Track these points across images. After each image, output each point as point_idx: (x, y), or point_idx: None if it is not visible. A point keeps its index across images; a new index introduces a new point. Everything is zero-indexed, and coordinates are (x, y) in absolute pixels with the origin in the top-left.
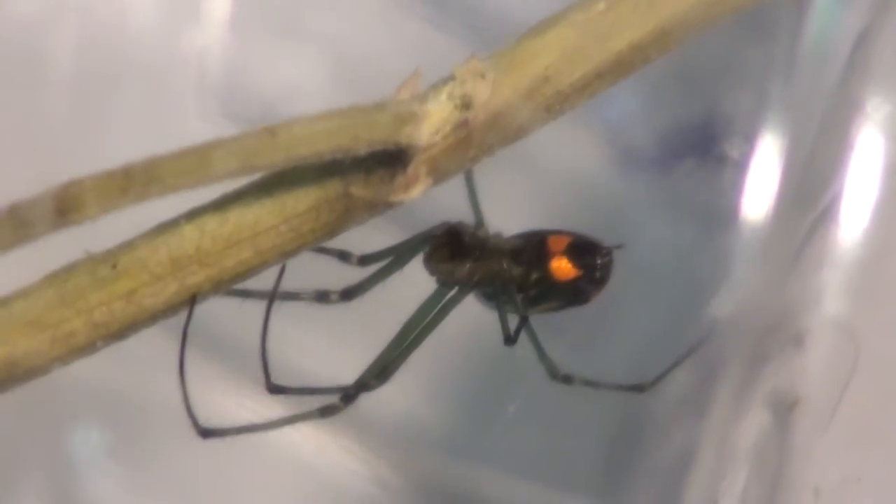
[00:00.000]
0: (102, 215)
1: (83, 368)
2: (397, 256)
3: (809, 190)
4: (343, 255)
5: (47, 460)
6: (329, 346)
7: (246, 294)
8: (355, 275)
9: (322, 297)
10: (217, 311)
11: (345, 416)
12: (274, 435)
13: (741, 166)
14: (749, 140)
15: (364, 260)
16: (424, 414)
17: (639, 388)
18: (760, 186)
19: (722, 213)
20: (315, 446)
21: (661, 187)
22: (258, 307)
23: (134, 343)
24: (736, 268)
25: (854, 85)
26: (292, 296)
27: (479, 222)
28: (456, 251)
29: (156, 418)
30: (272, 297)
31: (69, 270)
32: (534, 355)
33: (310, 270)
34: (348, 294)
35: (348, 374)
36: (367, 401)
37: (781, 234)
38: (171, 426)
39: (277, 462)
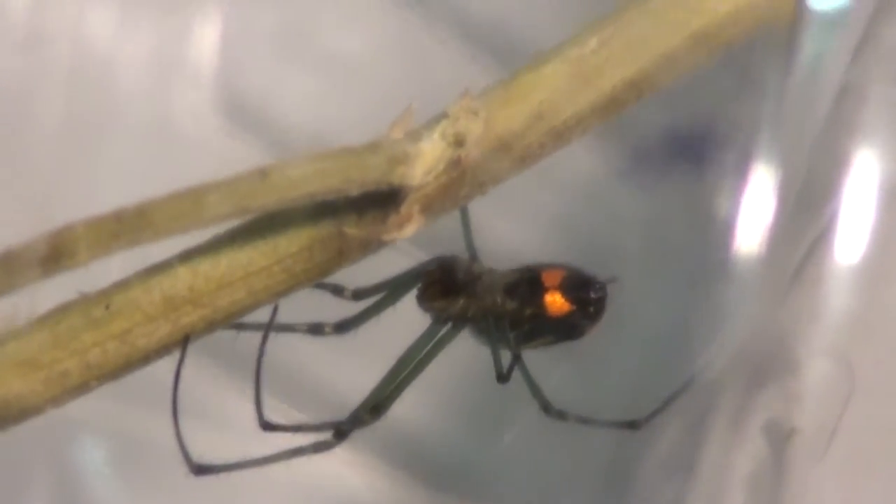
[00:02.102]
0: (94, 260)
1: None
2: (391, 291)
3: (804, 217)
4: (336, 290)
5: (54, 470)
6: (332, 365)
7: (240, 327)
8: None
9: (316, 329)
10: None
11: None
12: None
13: (734, 190)
14: (743, 162)
15: (358, 294)
16: (418, 445)
17: (633, 426)
18: (754, 212)
19: (715, 240)
20: (311, 471)
21: (651, 212)
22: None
23: None
24: (730, 297)
25: (848, 106)
26: (287, 328)
27: (473, 257)
28: (449, 287)
29: (160, 429)
30: (267, 331)
31: (62, 311)
32: (527, 391)
33: (304, 301)
34: (342, 327)
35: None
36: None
37: (776, 261)
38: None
39: (278, 476)
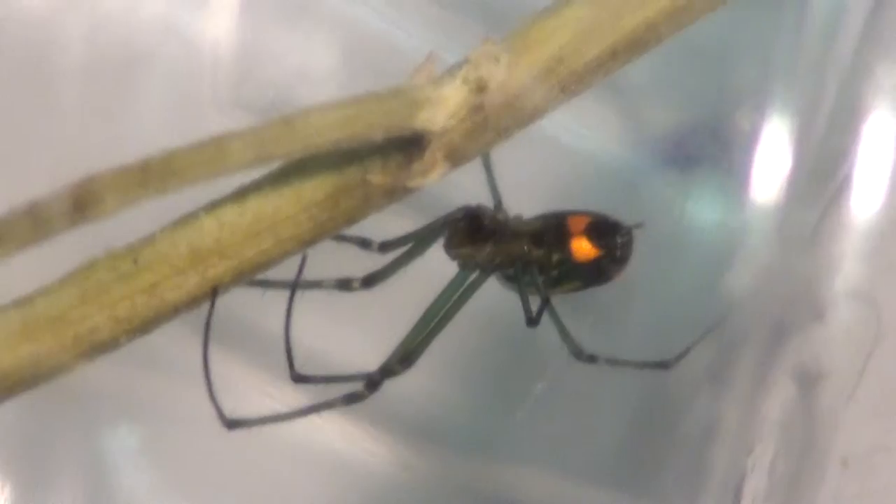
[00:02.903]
0: (121, 210)
1: (115, 369)
2: (417, 242)
3: (825, 162)
4: (363, 243)
5: (81, 459)
6: (352, 334)
7: (267, 284)
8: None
9: (344, 284)
10: (238, 303)
11: (369, 401)
12: (300, 430)
13: (754, 140)
14: (761, 112)
15: (384, 247)
16: (447, 398)
17: (663, 365)
18: (775, 160)
19: (736, 188)
20: (339, 433)
21: (674, 165)
22: (279, 297)
23: (163, 342)
24: (753, 244)
25: (867, 55)
26: (314, 284)
27: (498, 205)
28: (476, 234)
29: (185, 417)
30: (295, 286)
31: (90, 267)
32: (556, 336)
33: (330, 258)
34: (369, 281)
35: (373, 361)
36: (388, 386)
37: (798, 208)
38: (199, 424)
39: (305, 459)
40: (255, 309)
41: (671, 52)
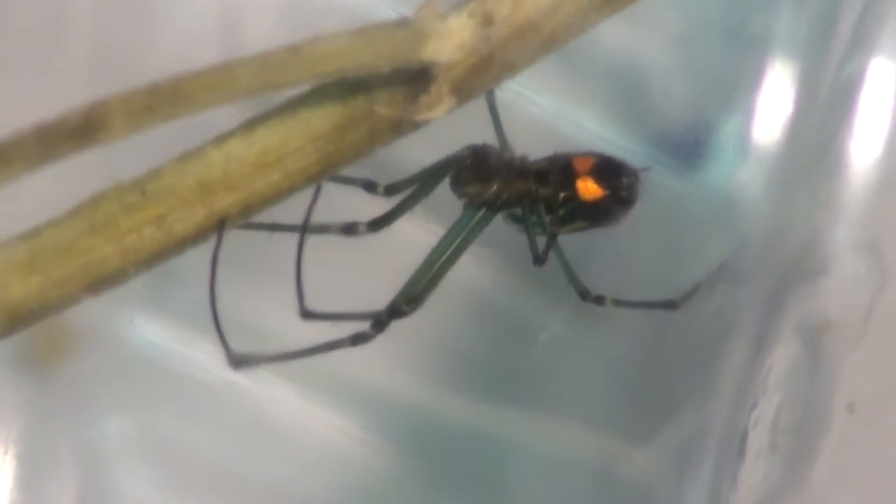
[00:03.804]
0: (130, 134)
1: (111, 360)
2: (423, 183)
3: (824, 118)
4: (368, 185)
5: (77, 450)
6: (358, 278)
7: (275, 227)
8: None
9: (350, 229)
10: (244, 243)
11: (359, 377)
12: (292, 418)
13: (757, 93)
14: (765, 63)
15: (390, 189)
16: (451, 345)
17: (671, 305)
18: (778, 112)
19: (740, 141)
20: (327, 420)
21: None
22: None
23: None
24: (755, 197)
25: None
26: (320, 228)
27: (504, 145)
28: (481, 173)
29: (182, 410)
30: (305, 225)
31: (98, 198)
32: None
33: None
34: (376, 225)
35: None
36: (391, 331)
37: (800, 160)
38: (195, 414)
39: (298, 449)
40: (262, 249)
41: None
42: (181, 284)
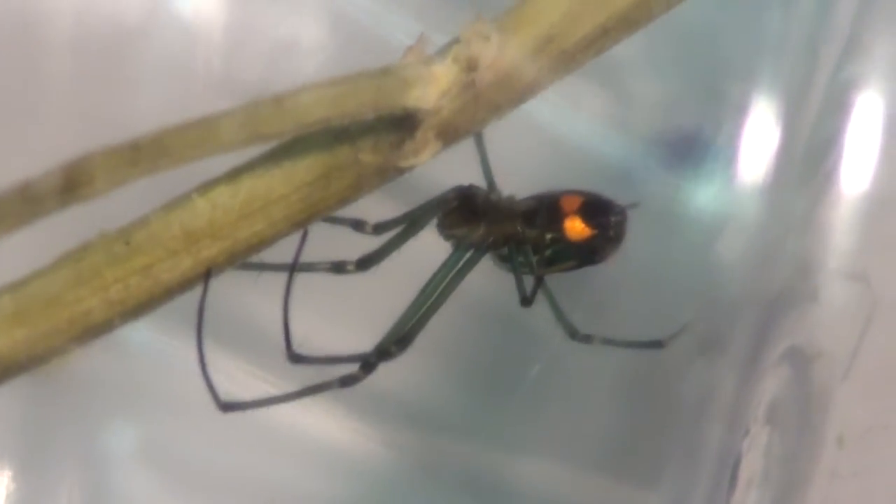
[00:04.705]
0: (112, 190)
1: (114, 366)
2: (411, 223)
3: (816, 141)
4: (357, 224)
5: (80, 456)
6: (348, 318)
7: (263, 267)
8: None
9: (338, 267)
10: (231, 290)
11: (363, 387)
12: (294, 424)
13: (745, 119)
14: (752, 91)
15: (378, 228)
16: (442, 383)
17: (657, 345)
18: (766, 138)
19: (728, 168)
20: (329, 424)
21: (666, 148)
22: (272, 284)
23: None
24: (744, 223)
25: (860, 31)
26: (308, 267)
27: (491, 185)
28: (469, 214)
29: (184, 415)
30: (293, 266)
31: (84, 249)
32: (551, 319)
33: (324, 242)
34: (364, 263)
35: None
36: (381, 370)
37: (789, 187)
38: (196, 420)
39: (300, 454)
40: (248, 296)
41: (662, 34)
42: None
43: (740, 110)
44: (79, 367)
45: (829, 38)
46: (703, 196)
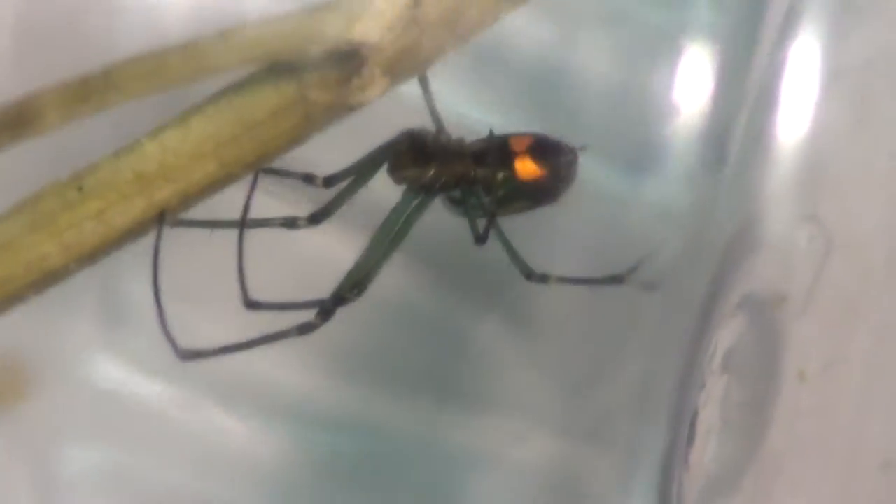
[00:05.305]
0: (64, 124)
1: (69, 397)
2: (361, 172)
3: (755, 89)
4: (307, 178)
5: (35, 485)
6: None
7: (214, 224)
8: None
9: (290, 223)
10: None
11: (311, 341)
12: (251, 447)
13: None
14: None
15: (329, 181)
16: (393, 360)
17: (617, 280)
18: (694, 87)
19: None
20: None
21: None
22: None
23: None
24: (686, 178)
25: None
26: (260, 223)
27: (440, 128)
28: (419, 156)
29: (139, 442)
30: (243, 220)
31: (37, 196)
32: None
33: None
34: (316, 218)
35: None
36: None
37: (729, 138)
38: (152, 448)
39: (256, 475)
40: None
41: None
42: (136, 322)
43: (678, 56)
44: (34, 402)
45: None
46: (645, 146)
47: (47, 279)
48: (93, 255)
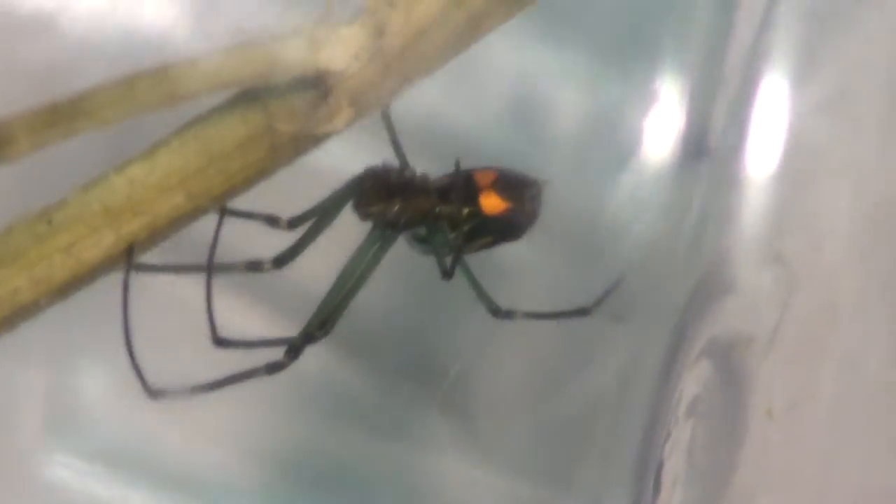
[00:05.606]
0: (35, 150)
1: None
2: (325, 212)
3: (721, 128)
4: (271, 220)
5: (48, 396)
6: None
7: (180, 269)
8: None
9: (255, 266)
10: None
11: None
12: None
13: (653, 105)
14: (654, 72)
15: (293, 222)
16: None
17: (583, 312)
18: (663, 124)
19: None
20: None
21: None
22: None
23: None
24: (652, 214)
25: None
26: (225, 268)
27: (403, 162)
28: (383, 191)
29: None
30: (210, 264)
31: (7, 230)
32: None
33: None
34: (281, 261)
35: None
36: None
37: (694, 177)
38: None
39: None
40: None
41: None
42: (90, 423)
43: (647, 92)
44: None
45: (739, 20)
46: (614, 180)
47: (18, 314)
48: (63, 290)
